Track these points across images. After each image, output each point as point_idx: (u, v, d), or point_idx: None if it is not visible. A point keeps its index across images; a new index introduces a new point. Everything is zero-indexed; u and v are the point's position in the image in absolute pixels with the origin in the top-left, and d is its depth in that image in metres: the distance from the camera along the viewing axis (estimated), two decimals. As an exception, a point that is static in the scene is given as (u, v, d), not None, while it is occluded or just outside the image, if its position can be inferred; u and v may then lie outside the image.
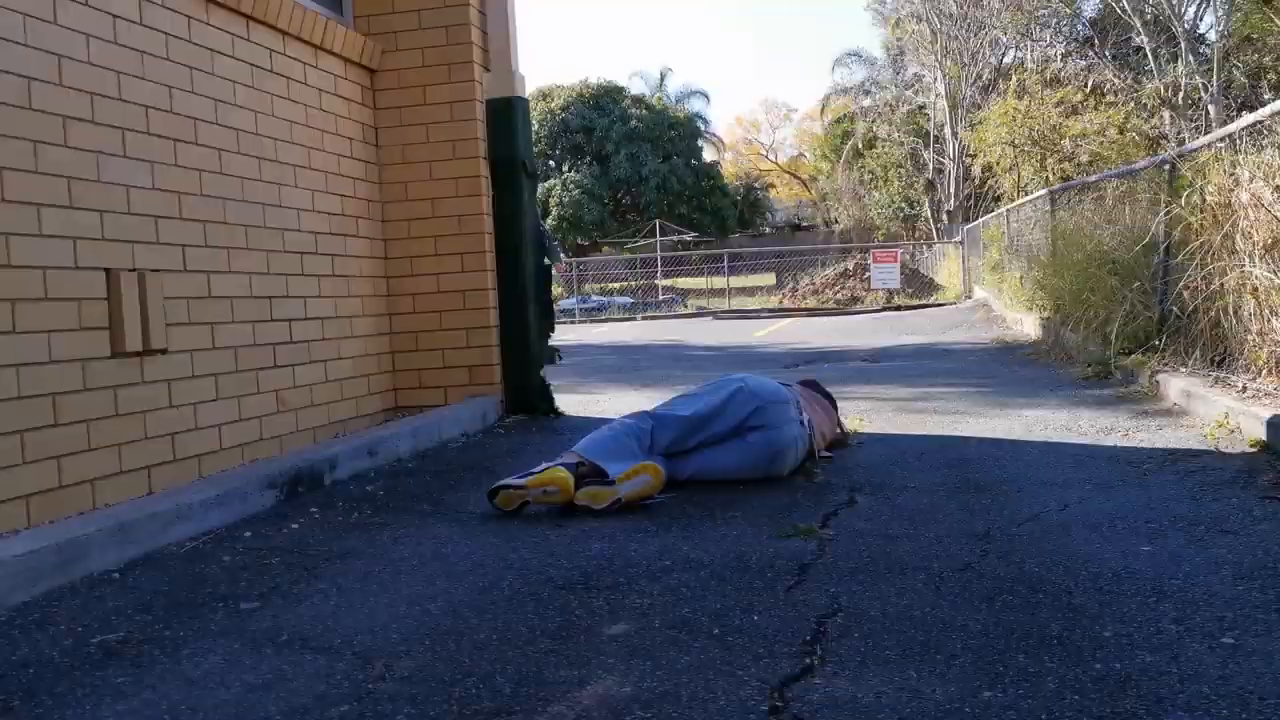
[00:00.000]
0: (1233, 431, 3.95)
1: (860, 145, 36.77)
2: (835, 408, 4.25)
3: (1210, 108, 19.50)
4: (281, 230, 4.41)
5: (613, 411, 5.57)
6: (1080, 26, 28.35)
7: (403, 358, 5.35)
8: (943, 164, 31.29)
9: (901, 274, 18.66)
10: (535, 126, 40.28)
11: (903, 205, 36.09)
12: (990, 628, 2.00)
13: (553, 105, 40.73)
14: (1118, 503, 2.98)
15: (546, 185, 39.45)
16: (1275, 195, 3.93)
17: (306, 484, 3.58)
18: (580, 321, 19.39)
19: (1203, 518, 2.75)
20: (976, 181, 23.53)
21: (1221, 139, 4.66)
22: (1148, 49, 21.87)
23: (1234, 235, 4.28)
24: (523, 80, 5.46)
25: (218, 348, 3.93)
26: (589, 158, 40.85)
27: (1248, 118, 4.30)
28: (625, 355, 10.50)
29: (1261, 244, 4.00)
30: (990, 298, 13.60)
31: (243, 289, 4.11)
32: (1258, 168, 4.13)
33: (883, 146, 35.23)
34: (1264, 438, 3.66)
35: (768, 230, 50.87)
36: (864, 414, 5.13)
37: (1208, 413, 4.27)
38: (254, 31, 4.31)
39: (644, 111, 41.19)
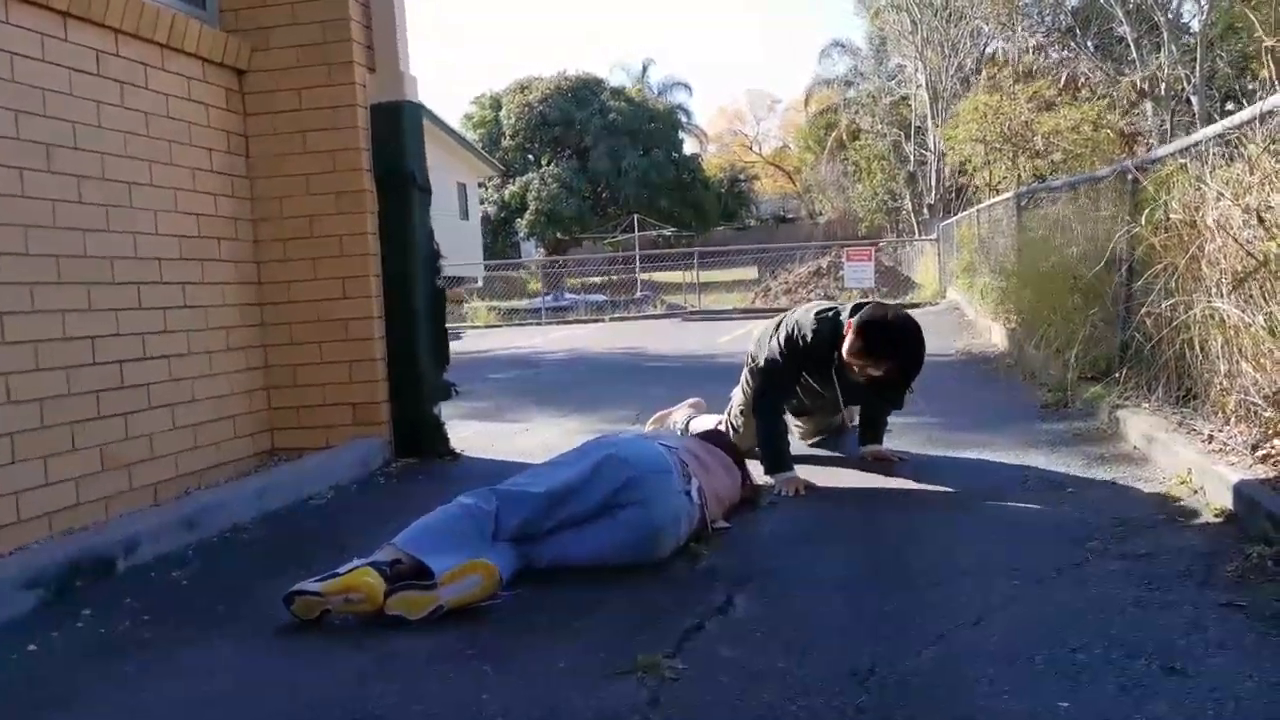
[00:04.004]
0: (1196, 492, 3.41)
1: (844, 137, 36.20)
2: (742, 462, 3.70)
3: (1193, 99, 18.97)
4: (110, 259, 3.83)
5: (532, 448, 5.03)
6: (1062, 16, 27.81)
7: (280, 394, 4.79)
8: (925, 156, 30.72)
9: (876, 272, 18.11)
10: (513, 119, 39.74)
11: (886, 198, 35.54)
12: None
13: (530, 98, 40.05)
14: (1044, 612, 2.43)
15: (524, 179, 38.83)
16: (1245, 218, 3.39)
17: (90, 574, 3.00)
18: (546, 323, 18.81)
19: (1145, 643, 2.20)
20: (957, 174, 22.99)
21: (1185, 149, 4.12)
22: (1130, 39, 21.34)
23: (1200, 260, 3.74)
24: (414, 83, 4.89)
25: (14, 402, 3.36)
26: (568, 151, 40.22)
27: (1213, 127, 3.76)
28: (575, 368, 9.94)
29: (1230, 274, 3.46)
30: (962, 301, 13.07)
31: (51, 331, 3.53)
32: (1226, 184, 3.59)
33: (866, 138, 34.66)
34: (1230, 506, 3.12)
35: (752, 223, 50.28)
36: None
37: (1170, 464, 3.74)
38: (73, 30, 3.73)
39: (623, 104, 40.53)
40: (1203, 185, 3.75)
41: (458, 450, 4.97)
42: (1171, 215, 4.05)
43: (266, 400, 4.76)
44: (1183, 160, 4.08)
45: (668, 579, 2.84)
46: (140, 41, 4.05)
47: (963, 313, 12.54)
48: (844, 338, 3.86)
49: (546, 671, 2.20)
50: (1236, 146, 3.64)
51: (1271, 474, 3.07)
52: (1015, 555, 2.90)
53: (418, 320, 4.81)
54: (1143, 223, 4.24)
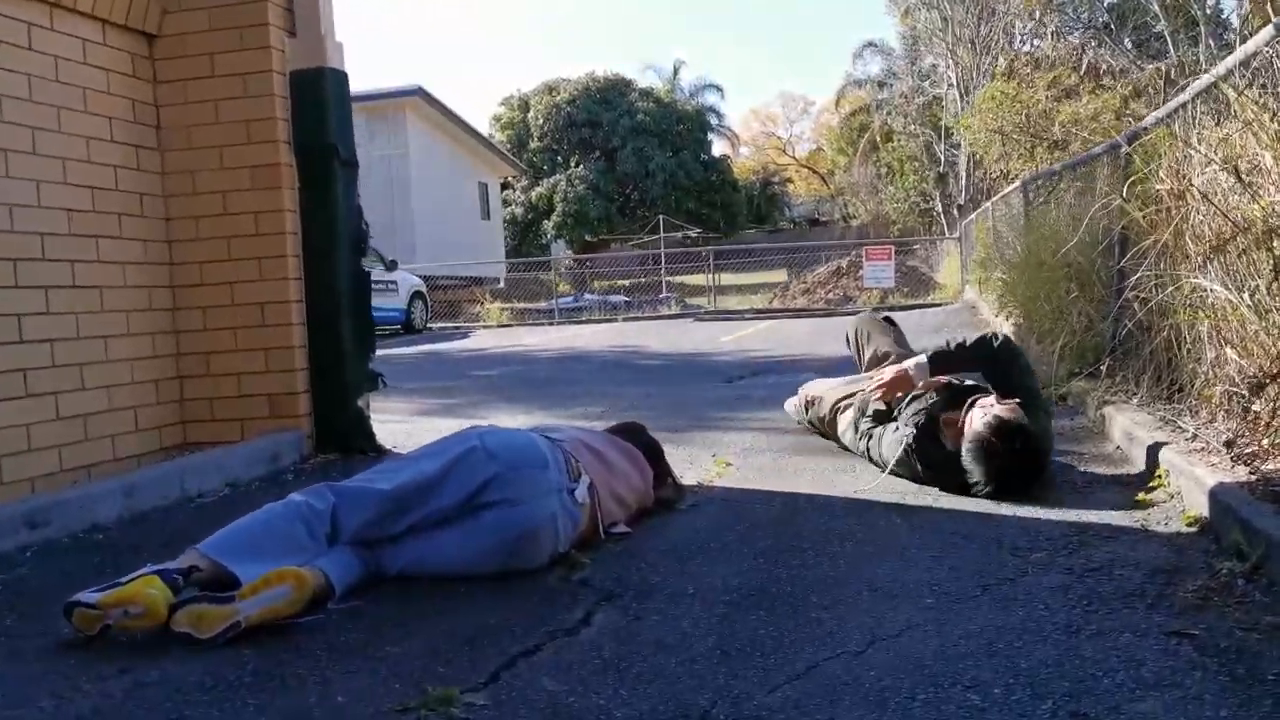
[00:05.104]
0: (1173, 496, 2.96)
1: (877, 138, 35.56)
2: (659, 459, 3.28)
3: (1230, 92, 18.20)
4: (-24, 231, 3.51)
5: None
6: (1099, 13, 27.01)
7: (193, 384, 4.45)
8: (955, 156, 30.01)
9: (897, 273, 17.56)
10: (540, 121, 39.46)
11: (918, 199, 34.82)
12: None
13: (558, 99, 39.76)
14: (949, 638, 2.00)
15: (551, 180, 38.51)
16: (1231, 181, 2.93)
17: (-116, 577, 2.67)
18: (559, 322, 18.45)
19: (1060, 681, 1.77)
20: (977, 169, 22.31)
21: (1173, 113, 3.65)
22: (1167, 34, 20.60)
23: (1185, 234, 3.28)
24: (339, 49, 4.53)
25: None
26: (595, 152, 39.84)
27: (1198, 82, 3.30)
28: (563, 365, 9.56)
29: (1212, 243, 3.00)
30: (977, 298, 12.54)
31: (-105, 308, 3.22)
32: (1214, 146, 3.12)
33: (898, 139, 33.99)
34: (1205, 514, 2.67)
35: (785, 225, 49.59)
36: (743, 454, 4.20)
37: (1150, 465, 3.28)
38: (-67, -18, 3.41)
39: (651, 105, 40.11)
40: (1190, 149, 3.29)
41: (387, 446, 4.61)
42: (1159, 186, 3.58)
43: (178, 390, 4.42)
44: (1172, 126, 3.62)
45: (529, 592, 2.44)
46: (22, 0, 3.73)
47: (977, 310, 12.01)
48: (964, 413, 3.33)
49: (319, 705, 1.81)
50: (1225, 105, 3.18)
51: (1251, 477, 2.62)
52: (938, 569, 2.47)
53: (341, 305, 4.45)
54: (1124, 195, 3.77)
